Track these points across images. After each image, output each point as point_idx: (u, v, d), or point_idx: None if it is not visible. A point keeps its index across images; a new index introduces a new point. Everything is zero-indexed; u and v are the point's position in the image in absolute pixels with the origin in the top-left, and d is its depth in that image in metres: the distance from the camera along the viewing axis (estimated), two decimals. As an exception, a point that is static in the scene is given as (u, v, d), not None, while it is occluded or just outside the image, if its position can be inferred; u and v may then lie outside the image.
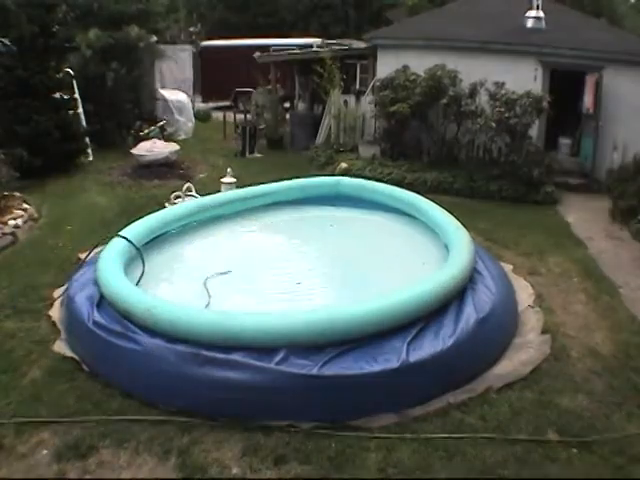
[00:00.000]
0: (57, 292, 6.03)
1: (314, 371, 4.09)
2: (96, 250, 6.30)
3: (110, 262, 5.50)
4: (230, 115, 16.03)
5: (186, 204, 7.81)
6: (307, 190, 8.39)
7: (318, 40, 18.44)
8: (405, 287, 5.01)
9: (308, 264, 6.62)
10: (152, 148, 11.76)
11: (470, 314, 4.89)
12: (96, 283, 5.29)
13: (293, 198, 8.25)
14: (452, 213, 6.90)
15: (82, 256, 6.87)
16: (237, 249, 7.05)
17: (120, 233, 6.15)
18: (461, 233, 6.24)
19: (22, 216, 8.28)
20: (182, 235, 7.21)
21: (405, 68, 11.71)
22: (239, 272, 6.13)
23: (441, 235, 6.53)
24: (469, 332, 4.69)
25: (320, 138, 13.51)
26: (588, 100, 11.15)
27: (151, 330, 4.50)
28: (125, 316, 4.70)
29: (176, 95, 16.00)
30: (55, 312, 5.62)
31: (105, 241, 6.29)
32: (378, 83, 11.92)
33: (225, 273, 5.99)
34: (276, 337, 4.32)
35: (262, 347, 4.25)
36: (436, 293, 4.91)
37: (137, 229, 6.41)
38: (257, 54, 15.26)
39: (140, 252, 6.09)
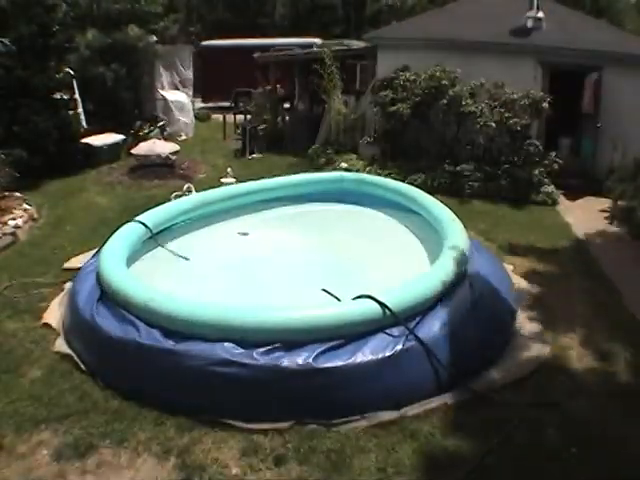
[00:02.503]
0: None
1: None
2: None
3: (113, 255, 5.58)
4: (230, 115, 16.04)
5: (187, 200, 7.90)
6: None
7: (318, 40, 18.43)
8: (399, 283, 5.04)
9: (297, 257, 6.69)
10: (152, 148, 11.76)
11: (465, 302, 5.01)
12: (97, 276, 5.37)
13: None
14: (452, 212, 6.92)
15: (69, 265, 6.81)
16: (236, 244, 7.16)
17: (136, 219, 6.57)
18: (456, 227, 6.33)
19: (22, 216, 8.29)
20: (183, 229, 7.32)
21: (405, 68, 11.72)
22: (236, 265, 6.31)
23: (440, 231, 6.59)
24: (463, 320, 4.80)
25: (320, 138, 13.48)
26: (588, 100, 11.15)
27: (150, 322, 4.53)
28: (125, 308, 4.73)
29: (176, 95, 15.99)
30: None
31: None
32: (378, 83, 11.92)
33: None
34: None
35: (260, 341, 4.27)
36: (430, 288, 4.95)
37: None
38: (257, 54, 15.26)
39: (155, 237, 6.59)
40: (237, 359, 4.15)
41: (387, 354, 4.28)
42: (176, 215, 7.30)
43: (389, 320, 4.49)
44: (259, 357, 4.15)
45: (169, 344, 4.33)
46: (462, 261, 5.54)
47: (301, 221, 8.03)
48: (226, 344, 4.23)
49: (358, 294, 4.67)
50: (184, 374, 4.22)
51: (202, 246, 7.00)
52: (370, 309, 4.52)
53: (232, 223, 7.69)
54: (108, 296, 5.00)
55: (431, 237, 6.74)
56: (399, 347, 4.34)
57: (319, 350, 4.20)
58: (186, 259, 6.51)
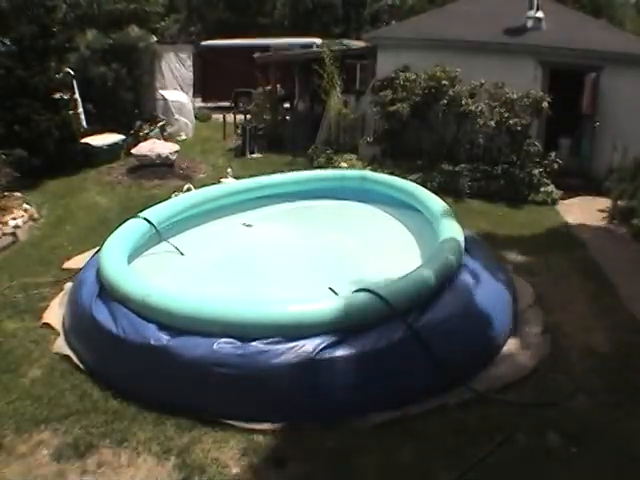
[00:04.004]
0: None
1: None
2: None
3: (113, 251, 5.60)
4: (230, 115, 16.05)
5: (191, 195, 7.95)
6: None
7: (318, 40, 18.44)
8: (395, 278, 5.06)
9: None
10: (152, 148, 11.77)
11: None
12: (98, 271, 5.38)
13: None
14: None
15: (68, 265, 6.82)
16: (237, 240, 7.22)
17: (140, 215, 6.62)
18: (453, 224, 6.36)
19: (22, 216, 8.29)
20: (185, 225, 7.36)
21: (405, 68, 11.73)
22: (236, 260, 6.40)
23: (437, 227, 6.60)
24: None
25: (320, 138, 13.48)
26: (586, 100, 11.15)
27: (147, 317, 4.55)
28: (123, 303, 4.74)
29: (176, 95, 15.99)
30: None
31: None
32: (378, 83, 11.92)
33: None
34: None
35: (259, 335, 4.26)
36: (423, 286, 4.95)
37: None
38: (257, 54, 15.25)
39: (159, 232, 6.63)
40: (235, 355, 4.14)
41: (385, 348, 4.28)
42: (180, 211, 7.34)
43: (388, 313, 4.49)
44: (258, 352, 4.15)
45: (164, 340, 4.32)
46: (459, 256, 5.56)
47: (302, 217, 8.12)
48: (224, 340, 4.22)
49: (357, 287, 4.70)
50: (179, 370, 4.22)
51: (204, 241, 7.03)
52: (369, 303, 4.53)
53: (235, 218, 7.78)
54: (106, 291, 5.00)
55: (429, 232, 6.76)
56: (397, 340, 4.34)
57: (319, 344, 4.19)
58: (181, 254, 6.53)
